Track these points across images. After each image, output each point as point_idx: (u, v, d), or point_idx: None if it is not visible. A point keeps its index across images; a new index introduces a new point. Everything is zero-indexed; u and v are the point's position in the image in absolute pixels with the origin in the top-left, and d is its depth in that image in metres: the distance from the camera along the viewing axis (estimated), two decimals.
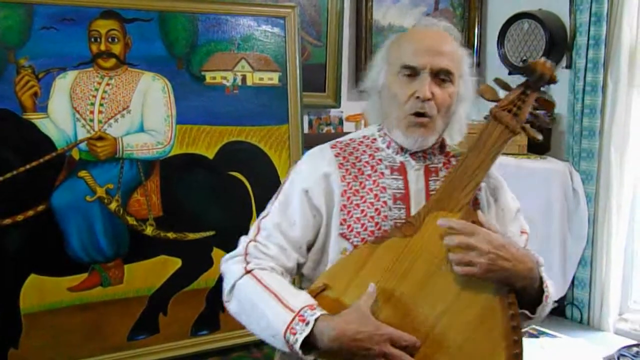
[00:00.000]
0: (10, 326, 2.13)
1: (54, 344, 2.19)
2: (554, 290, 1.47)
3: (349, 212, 1.45)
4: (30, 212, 2.13)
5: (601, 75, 2.69)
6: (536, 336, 2.58)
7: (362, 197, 1.46)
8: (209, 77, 2.42)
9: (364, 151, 1.52)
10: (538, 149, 2.88)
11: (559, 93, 2.88)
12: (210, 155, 2.43)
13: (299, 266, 1.49)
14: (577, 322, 2.82)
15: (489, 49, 3.25)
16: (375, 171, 1.49)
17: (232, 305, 1.44)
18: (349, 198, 1.45)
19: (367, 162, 1.50)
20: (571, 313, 2.86)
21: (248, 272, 1.41)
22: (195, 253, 2.41)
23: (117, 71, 2.26)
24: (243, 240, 1.50)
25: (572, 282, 2.82)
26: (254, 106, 2.51)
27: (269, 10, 2.54)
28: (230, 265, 1.46)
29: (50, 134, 2.15)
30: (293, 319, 1.30)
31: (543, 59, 1.44)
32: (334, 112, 2.95)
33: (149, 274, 2.34)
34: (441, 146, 1.54)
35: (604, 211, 2.74)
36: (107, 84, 2.24)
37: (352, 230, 1.44)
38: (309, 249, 1.49)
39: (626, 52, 2.67)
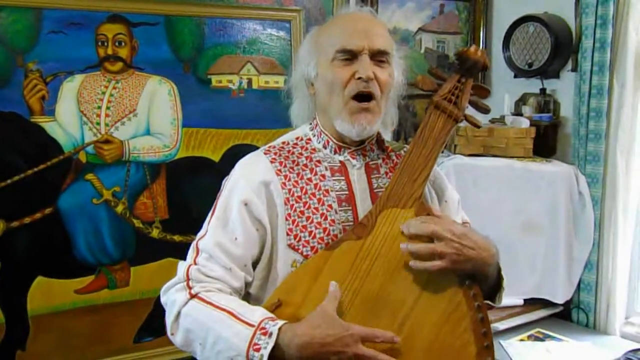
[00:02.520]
0: (18, 328, 2.14)
1: (61, 346, 2.20)
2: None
3: (294, 220, 1.36)
4: (38, 215, 2.15)
5: (607, 78, 2.68)
6: (542, 340, 2.57)
7: (305, 202, 1.38)
8: (215, 80, 2.43)
9: (300, 153, 1.45)
10: (544, 152, 2.87)
11: (565, 96, 2.88)
12: (216, 158, 2.44)
13: (246, 285, 1.38)
14: (583, 325, 2.81)
15: (494, 53, 3.24)
16: (316, 174, 1.42)
17: (179, 337, 1.31)
18: (292, 206, 1.37)
19: (305, 165, 1.43)
20: (577, 317, 2.85)
21: (193, 296, 1.29)
22: None
23: (124, 75, 2.27)
24: (182, 265, 1.37)
25: (578, 285, 2.81)
26: (260, 109, 2.52)
27: (274, 14, 2.55)
28: (171, 295, 1.33)
29: (57, 137, 2.17)
30: (254, 333, 1.19)
31: (474, 47, 1.43)
32: None
33: (155, 276, 2.35)
34: (378, 141, 1.50)
35: (610, 214, 2.73)
36: (114, 88, 2.25)
37: (299, 240, 1.36)
38: (254, 266, 1.38)
39: (632, 55, 2.66)
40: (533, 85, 2.99)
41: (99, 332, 2.26)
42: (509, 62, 3.09)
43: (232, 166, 2.45)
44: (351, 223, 1.38)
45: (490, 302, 1.37)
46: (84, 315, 2.23)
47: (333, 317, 1.21)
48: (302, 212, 1.37)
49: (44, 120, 2.15)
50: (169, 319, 1.33)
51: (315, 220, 1.37)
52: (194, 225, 2.39)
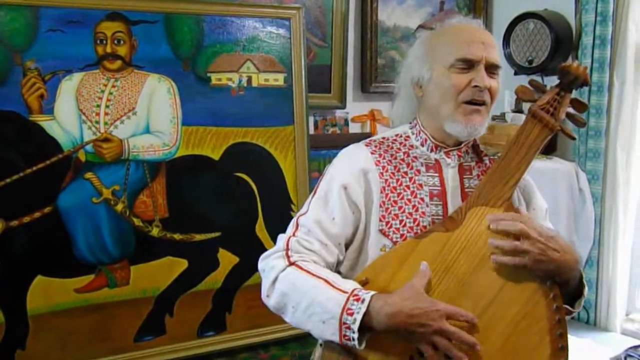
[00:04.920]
0: (18, 328, 2.13)
1: (61, 345, 2.19)
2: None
3: (387, 208, 1.45)
4: (37, 214, 2.14)
5: (607, 75, 2.68)
6: None
7: (399, 194, 1.47)
8: (214, 78, 2.42)
9: (398, 149, 1.54)
10: (544, 149, 2.87)
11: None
12: (216, 156, 2.44)
13: (337, 264, 1.49)
14: (583, 322, 2.81)
15: None
16: (411, 168, 1.50)
17: (273, 300, 1.41)
18: (387, 195, 1.46)
19: (402, 159, 1.51)
20: (578, 313, 2.84)
21: (292, 264, 1.40)
22: (202, 254, 2.42)
23: (123, 73, 2.26)
24: (282, 237, 1.48)
25: None
26: (260, 107, 2.51)
27: (274, 11, 2.54)
28: (270, 261, 1.44)
29: (56, 135, 2.16)
30: (347, 299, 1.28)
31: (576, 62, 1.49)
32: (339, 113, 2.95)
33: (155, 275, 2.34)
34: (474, 145, 1.57)
35: (611, 211, 2.74)
36: (113, 86, 2.25)
37: (390, 227, 1.45)
38: (346, 247, 1.48)
39: (632, 51, 2.66)
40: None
41: (98, 331, 2.25)
42: (510, 59, 3.09)
43: (232, 164, 2.48)
44: (440, 217, 1.46)
45: (569, 307, 1.41)
46: (84, 314, 2.22)
47: (422, 292, 1.29)
48: (395, 202, 1.46)
49: (43, 119, 2.14)
50: (266, 282, 1.42)
51: (407, 211, 1.46)
52: (194, 223, 2.41)
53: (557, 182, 2.72)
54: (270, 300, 1.42)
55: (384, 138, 1.57)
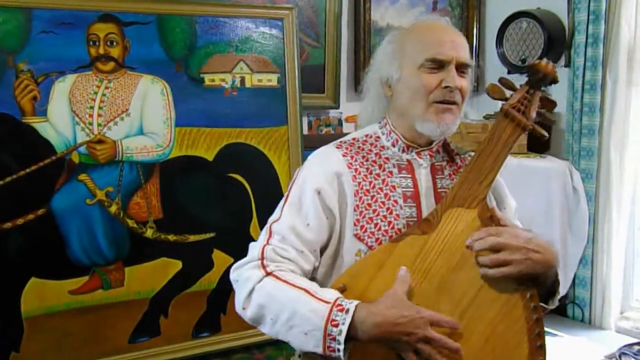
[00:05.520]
0: (12, 330, 2.13)
1: (56, 347, 2.19)
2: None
3: (361, 212, 1.43)
4: (31, 216, 2.14)
5: (600, 73, 2.68)
6: None
7: (372, 196, 1.45)
8: (207, 79, 2.42)
9: (370, 150, 1.52)
10: (538, 147, 2.88)
11: (558, 91, 2.86)
12: (210, 157, 2.44)
13: (313, 270, 1.45)
14: (578, 320, 2.82)
15: (487, 48, 3.25)
16: (384, 170, 1.48)
17: (250, 312, 1.36)
18: (360, 198, 1.44)
19: (374, 161, 1.49)
20: (572, 312, 2.85)
21: (268, 274, 1.35)
22: (196, 255, 2.42)
23: (116, 74, 2.26)
24: (255, 246, 1.44)
25: (573, 281, 2.82)
26: (253, 108, 2.51)
27: (266, 12, 2.54)
28: (244, 272, 1.39)
29: (49, 137, 2.16)
30: (331, 309, 1.25)
31: (545, 60, 1.48)
32: (333, 113, 2.96)
33: (150, 276, 2.34)
34: (444, 144, 1.56)
35: (604, 209, 2.74)
36: (106, 87, 2.24)
37: (365, 231, 1.43)
38: (321, 252, 1.45)
39: (625, 50, 2.67)
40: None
41: (93, 332, 2.25)
42: (503, 58, 3.10)
43: (226, 165, 2.48)
44: (414, 219, 1.45)
45: (544, 305, 1.40)
46: (78, 316, 2.22)
47: (404, 299, 1.27)
48: (369, 205, 1.44)
49: (36, 120, 2.14)
50: (241, 294, 1.38)
51: (381, 214, 1.44)
52: (188, 224, 2.41)
53: (551, 180, 2.73)
54: (247, 312, 1.37)
55: (354, 139, 1.55)
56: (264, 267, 1.37)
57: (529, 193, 2.69)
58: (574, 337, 2.61)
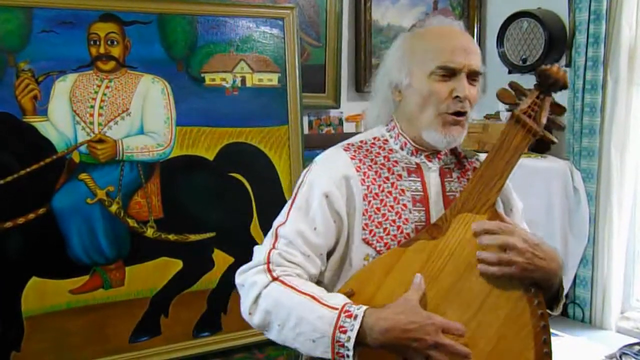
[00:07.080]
0: (12, 329, 2.13)
1: (56, 346, 2.19)
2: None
3: (370, 216, 1.41)
4: (31, 215, 2.14)
5: (601, 73, 2.68)
6: None
7: (381, 200, 1.42)
8: (208, 78, 2.42)
9: (378, 153, 1.49)
10: (538, 147, 2.87)
11: (560, 91, 2.87)
12: (211, 156, 2.44)
13: (319, 274, 1.43)
14: (579, 320, 2.82)
15: (488, 48, 3.24)
16: (393, 173, 1.46)
17: (256, 318, 1.35)
18: (369, 202, 1.41)
19: (382, 164, 1.47)
20: (573, 312, 2.85)
21: (275, 279, 1.33)
22: (196, 254, 2.42)
23: (117, 74, 2.26)
24: (260, 249, 1.41)
25: (574, 281, 2.82)
26: (254, 107, 2.51)
27: (267, 11, 2.54)
28: (250, 276, 1.37)
29: (50, 137, 2.16)
30: (339, 316, 1.24)
31: (556, 66, 1.47)
32: (333, 113, 2.95)
33: (150, 275, 2.34)
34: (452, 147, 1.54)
35: (605, 209, 2.74)
36: (107, 87, 2.24)
37: (374, 235, 1.40)
38: (328, 256, 1.43)
39: (625, 50, 2.66)
40: (527, 81, 2.98)
41: (94, 332, 2.25)
42: (503, 58, 3.10)
43: (227, 164, 2.48)
44: (423, 223, 1.43)
45: (548, 311, 1.40)
46: (79, 315, 2.22)
47: (416, 306, 1.25)
48: (378, 209, 1.42)
49: (37, 120, 2.14)
50: (247, 299, 1.36)
51: (390, 218, 1.41)
52: (188, 224, 2.41)
53: (552, 180, 2.72)
54: (254, 318, 1.35)
55: (362, 142, 1.51)
56: (270, 271, 1.35)
57: (529, 193, 2.68)
58: (574, 337, 2.60)
